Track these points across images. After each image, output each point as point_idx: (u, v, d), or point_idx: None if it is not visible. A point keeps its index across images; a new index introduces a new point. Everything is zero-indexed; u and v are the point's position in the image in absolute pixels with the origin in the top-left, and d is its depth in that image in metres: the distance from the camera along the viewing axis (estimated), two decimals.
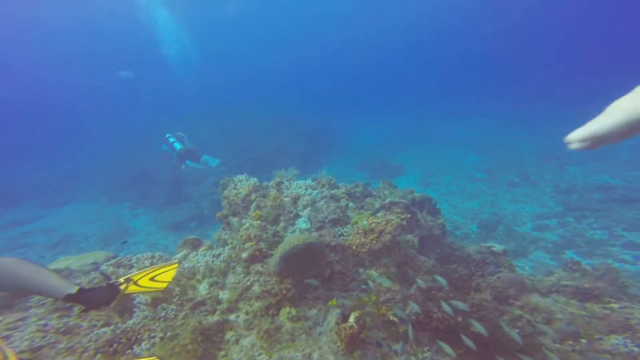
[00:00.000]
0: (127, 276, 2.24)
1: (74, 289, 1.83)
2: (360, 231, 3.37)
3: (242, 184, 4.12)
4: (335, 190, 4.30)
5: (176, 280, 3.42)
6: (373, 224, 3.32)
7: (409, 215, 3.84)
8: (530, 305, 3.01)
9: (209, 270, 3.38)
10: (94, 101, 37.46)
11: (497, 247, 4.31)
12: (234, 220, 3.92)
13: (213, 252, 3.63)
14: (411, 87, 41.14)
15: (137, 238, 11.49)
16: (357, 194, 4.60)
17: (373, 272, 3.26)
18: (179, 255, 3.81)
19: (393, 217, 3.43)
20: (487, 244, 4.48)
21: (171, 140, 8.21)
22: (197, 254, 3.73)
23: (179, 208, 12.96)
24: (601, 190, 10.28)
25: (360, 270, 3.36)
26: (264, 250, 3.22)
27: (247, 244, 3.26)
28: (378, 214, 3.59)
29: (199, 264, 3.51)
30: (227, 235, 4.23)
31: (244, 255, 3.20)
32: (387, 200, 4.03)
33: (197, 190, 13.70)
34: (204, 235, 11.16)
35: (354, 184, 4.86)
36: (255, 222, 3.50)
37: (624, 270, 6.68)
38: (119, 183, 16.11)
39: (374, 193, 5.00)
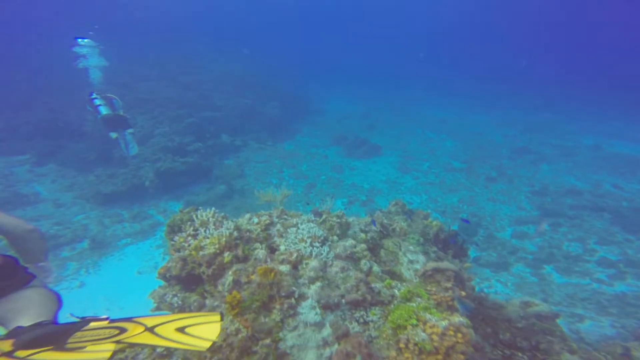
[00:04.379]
0: (118, 323, 1.30)
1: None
2: (410, 346, 2.06)
3: (209, 232, 2.37)
4: (351, 241, 2.85)
5: None
6: (436, 340, 2.02)
7: (464, 293, 2.63)
8: None
9: None
10: None
11: (542, 307, 3.44)
12: (192, 299, 2.28)
13: None
14: (386, 63, 38.67)
15: (39, 210, 8.43)
16: (375, 235, 3.25)
17: None
18: None
19: (462, 320, 2.16)
20: (526, 300, 3.59)
21: (96, 102, 5.81)
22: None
23: (109, 174, 10.21)
24: (571, 195, 10.44)
25: None
26: None
27: None
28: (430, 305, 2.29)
29: None
30: (176, 300, 2.61)
31: None
32: (430, 267, 2.74)
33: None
34: (142, 218, 8.87)
35: (368, 215, 3.46)
36: (232, 323, 1.95)
37: (602, 293, 6.77)
38: (14, 129, 11.81)
39: (387, 223, 3.68)
